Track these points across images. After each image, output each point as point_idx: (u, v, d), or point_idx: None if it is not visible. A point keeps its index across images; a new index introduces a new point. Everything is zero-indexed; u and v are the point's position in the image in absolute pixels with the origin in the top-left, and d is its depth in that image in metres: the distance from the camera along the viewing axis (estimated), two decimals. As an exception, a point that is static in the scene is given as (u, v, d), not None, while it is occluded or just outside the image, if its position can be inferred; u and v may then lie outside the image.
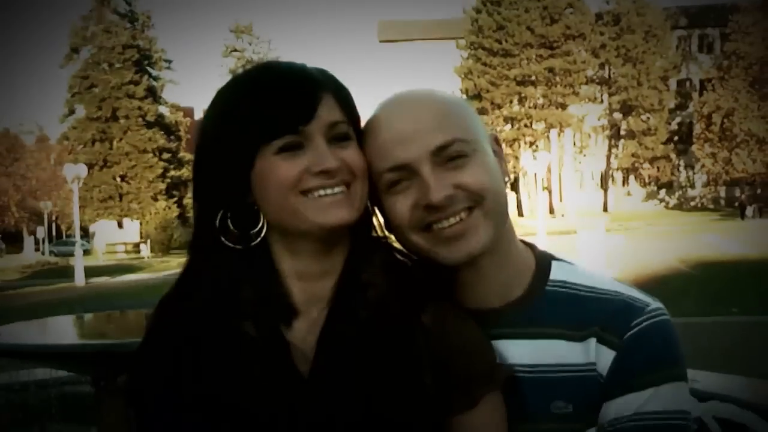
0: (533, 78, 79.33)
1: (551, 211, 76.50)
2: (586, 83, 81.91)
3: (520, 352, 1.79)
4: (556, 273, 1.88)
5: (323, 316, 1.66)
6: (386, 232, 1.81)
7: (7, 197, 39.24)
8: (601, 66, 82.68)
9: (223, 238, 1.67)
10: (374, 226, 1.79)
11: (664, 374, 1.73)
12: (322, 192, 1.61)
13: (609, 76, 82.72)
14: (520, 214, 77.28)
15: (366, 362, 1.61)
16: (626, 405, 1.69)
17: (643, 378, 1.70)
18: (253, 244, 1.67)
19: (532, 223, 48.28)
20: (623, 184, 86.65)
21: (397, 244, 1.80)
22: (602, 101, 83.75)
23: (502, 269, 1.82)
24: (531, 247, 1.94)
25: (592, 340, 1.74)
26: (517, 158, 76.13)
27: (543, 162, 44.27)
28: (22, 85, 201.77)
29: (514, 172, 79.02)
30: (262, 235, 1.68)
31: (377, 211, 1.81)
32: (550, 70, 78.47)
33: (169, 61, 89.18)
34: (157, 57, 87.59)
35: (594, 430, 1.73)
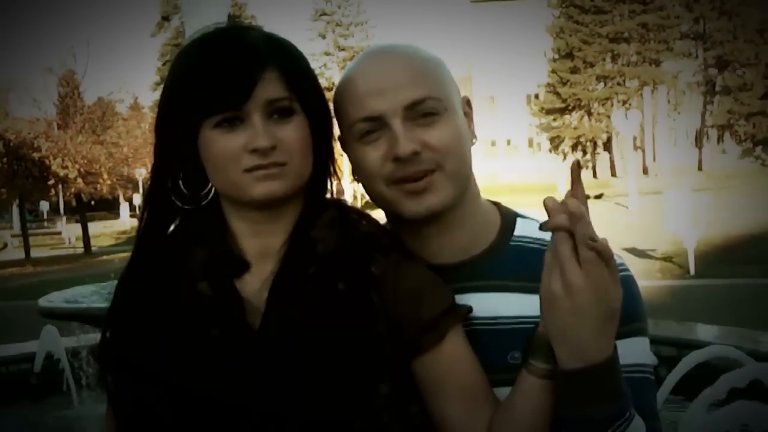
0: (626, 35, 79.01)
1: (645, 170, 75.25)
2: (681, 38, 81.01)
3: (480, 304, 1.84)
4: (521, 229, 1.94)
5: (275, 271, 1.74)
6: (355, 178, 1.91)
7: (99, 164, 39.80)
8: (696, 20, 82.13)
9: (173, 198, 1.77)
10: (329, 188, 1.87)
11: (631, 328, 1.79)
12: (258, 172, 1.68)
13: (704, 30, 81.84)
14: (613, 174, 77.00)
15: (315, 315, 1.67)
16: None
17: None
18: (203, 203, 1.78)
19: (624, 183, 47.51)
20: (718, 142, 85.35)
21: (351, 202, 1.91)
22: (697, 57, 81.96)
23: (464, 225, 1.89)
24: (497, 205, 2.01)
25: None
26: (609, 117, 74.99)
27: (635, 121, 43.41)
28: (114, 54, 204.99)
29: (607, 132, 77.88)
30: (210, 196, 1.78)
31: (347, 159, 1.91)
32: (644, 25, 78.11)
33: (260, 27, 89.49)
34: (247, 23, 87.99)
35: None
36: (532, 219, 1.97)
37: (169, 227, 1.81)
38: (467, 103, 1.95)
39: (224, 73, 1.67)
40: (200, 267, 1.75)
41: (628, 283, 1.80)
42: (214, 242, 1.77)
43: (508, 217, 1.97)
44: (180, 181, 1.78)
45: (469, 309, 1.82)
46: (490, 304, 1.84)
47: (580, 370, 1.53)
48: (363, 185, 1.88)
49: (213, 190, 1.78)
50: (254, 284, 1.74)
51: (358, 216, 1.85)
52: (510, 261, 1.88)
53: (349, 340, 1.67)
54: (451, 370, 1.74)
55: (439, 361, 1.73)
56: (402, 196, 1.81)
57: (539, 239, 1.88)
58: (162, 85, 1.81)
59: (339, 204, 1.86)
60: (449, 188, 1.82)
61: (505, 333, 1.83)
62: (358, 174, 1.88)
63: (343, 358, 1.65)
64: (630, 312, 1.77)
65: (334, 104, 1.89)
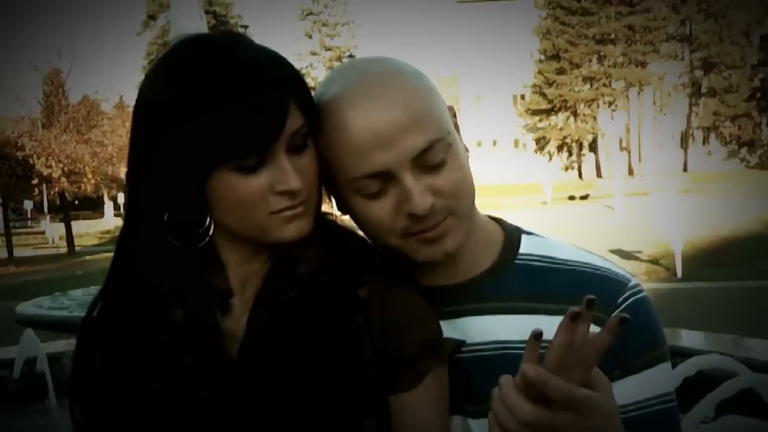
0: (612, 36, 79.40)
1: (630, 172, 75.57)
2: (667, 40, 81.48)
3: (486, 327, 1.71)
4: (526, 246, 1.80)
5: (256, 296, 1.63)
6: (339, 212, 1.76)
7: (83, 164, 39.62)
8: (682, 22, 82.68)
9: (169, 236, 1.57)
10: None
11: (658, 354, 1.69)
12: (287, 213, 1.54)
13: (690, 32, 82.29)
14: (599, 175, 77.04)
15: (295, 342, 1.55)
16: (628, 391, 1.61)
17: (640, 359, 1.66)
18: (200, 244, 1.59)
19: (609, 184, 47.72)
20: (704, 143, 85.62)
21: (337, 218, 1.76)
22: (683, 58, 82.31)
23: (465, 247, 1.71)
24: (498, 221, 1.87)
25: None
26: (595, 119, 75.16)
27: (621, 122, 43.49)
28: (100, 53, 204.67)
29: (593, 133, 78.12)
30: (210, 233, 1.59)
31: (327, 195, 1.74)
32: (630, 27, 78.44)
33: (245, 27, 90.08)
34: (233, 22, 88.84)
35: None
36: (538, 235, 1.85)
37: (155, 264, 1.59)
38: (453, 114, 1.74)
39: (253, 112, 1.46)
40: (176, 295, 1.58)
41: (644, 305, 1.71)
42: (195, 271, 1.59)
43: (512, 235, 1.83)
44: (170, 217, 1.57)
45: (459, 345, 1.69)
46: (496, 327, 1.70)
47: None
48: (368, 236, 1.70)
49: (211, 230, 1.59)
50: (235, 311, 1.61)
51: (345, 233, 1.70)
52: (515, 280, 1.74)
53: (332, 370, 1.54)
54: (413, 418, 1.61)
55: (406, 405, 1.61)
56: (418, 246, 1.65)
57: (547, 257, 1.77)
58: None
59: (325, 220, 1.69)
60: (463, 228, 1.67)
61: (513, 358, 1.50)
62: (362, 226, 1.70)
63: (325, 390, 1.53)
64: (652, 337, 1.70)
65: (323, 150, 1.62)
